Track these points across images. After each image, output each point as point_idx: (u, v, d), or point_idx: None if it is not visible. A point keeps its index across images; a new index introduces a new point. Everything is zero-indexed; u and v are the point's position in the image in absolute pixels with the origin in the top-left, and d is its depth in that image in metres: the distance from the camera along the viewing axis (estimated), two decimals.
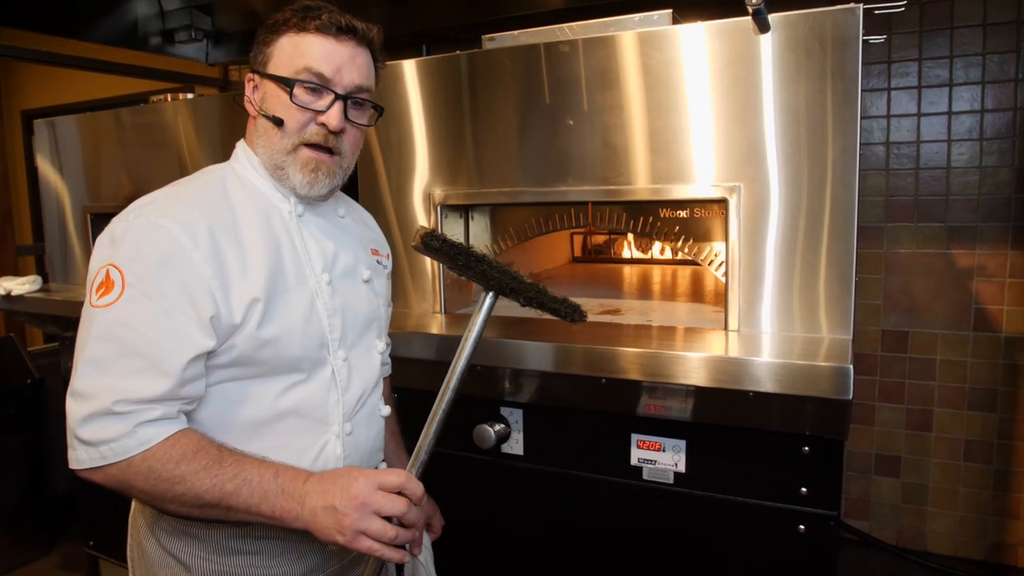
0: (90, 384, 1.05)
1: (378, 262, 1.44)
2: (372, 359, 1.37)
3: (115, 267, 1.07)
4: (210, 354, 1.12)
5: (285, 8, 1.21)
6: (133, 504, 1.30)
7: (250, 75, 1.24)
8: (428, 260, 1.96)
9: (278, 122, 1.19)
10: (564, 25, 1.81)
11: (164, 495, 1.06)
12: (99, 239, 1.14)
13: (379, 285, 1.42)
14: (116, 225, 1.13)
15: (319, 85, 1.18)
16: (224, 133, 2.32)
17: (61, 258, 2.87)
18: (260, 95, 1.22)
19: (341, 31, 1.19)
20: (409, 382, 1.90)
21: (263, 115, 1.21)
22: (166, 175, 2.48)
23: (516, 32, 1.87)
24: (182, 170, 2.43)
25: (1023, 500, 2.55)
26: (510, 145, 1.83)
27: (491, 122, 1.85)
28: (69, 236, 2.81)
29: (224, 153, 2.29)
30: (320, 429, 1.24)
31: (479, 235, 2.09)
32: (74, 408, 1.06)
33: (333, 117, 1.19)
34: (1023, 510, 2.55)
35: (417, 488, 1.12)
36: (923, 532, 2.69)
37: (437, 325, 1.85)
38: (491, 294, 1.20)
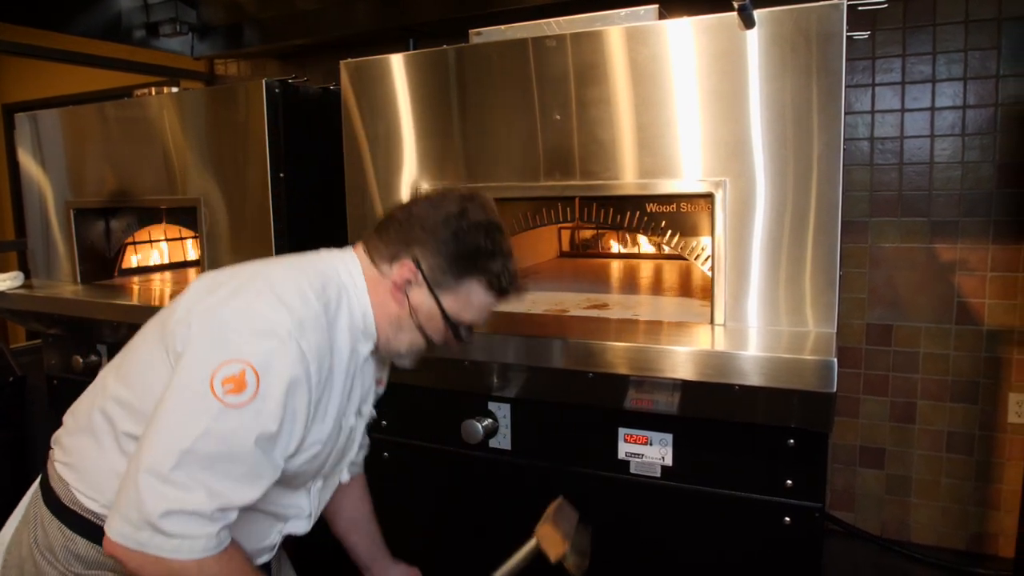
0: (190, 476, 1.01)
1: (376, 392, 1.47)
2: (334, 483, 1.44)
3: (253, 371, 1.05)
4: None
5: (494, 238, 1.25)
6: (21, 526, 1.24)
7: (413, 268, 1.23)
8: None
9: (431, 343, 1.28)
10: (551, 20, 1.81)
11: None
12: (221, 304, 1.10)
13: (368, 409, 1.43)
14: (252, 302, 1.10)
15: None
16: (210, 128, 2.31)
17: (44, 254, 2.84)
18: (418, 301, 1.24)
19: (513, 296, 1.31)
20: (401, 376, 1.90)
21: (417, 323, 1.25)
22: (151, 170, 2.46)
23: (503, 27, 1.86)
24: (167, 165, 2.41)
25: (1004, 490, 2.58)
26: (497, 140, 1.83)
27: (478, 117, 1.85)
28: (52, 232, 2.78)
29: (210, 150, 2.27)
30: (274, 522, 1.29)
31: None
32: (159, 491, 1.00)
33: (453, 344, 1.32)
34: (1004, 500, 2.58)
35: None
36: (907, 523, 2.72)
37: None
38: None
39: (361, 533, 1.56)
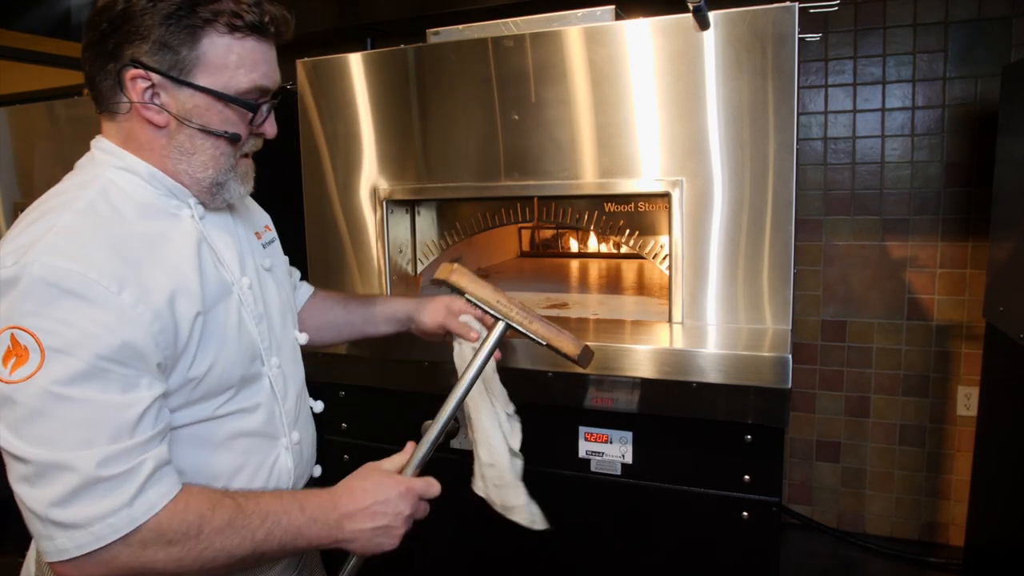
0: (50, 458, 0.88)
1: (271, 241, 1.31)
2: (296, 355, 1.29)
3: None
4: None
5: None
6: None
7: (139, 72, 0.99)
8: (374, 253, 1.95)
9: (234, 139, 1.06)
10: (508, 20, 1.81)
11: (191, 566, 0.95)
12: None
13: (278, 265, 1.29)
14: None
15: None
16: None
17: None
18: (179, 105, 1.02)
19: (276, 30, 1.06)
20: (360, 379, 1.88)
21: (197, 128, 1.03)
22: None
23: (461, 26, 1.86)
24: None
25: (954, 481, 2.66)
26: (456, 140, 1.83)
27: (438, 117, 1.84)
28: None
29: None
30: (270, 445, 1.17)
31: (425, 230, 2.08)
32: (37, 494, 0.89)
33: (271, 127, 1.11)
34: (954, 491, 2.66)
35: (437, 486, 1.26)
36: (862, 514, 2.79)
37: None
38: (501, 325, 1.29)
39: (366, 310, 1.49)
